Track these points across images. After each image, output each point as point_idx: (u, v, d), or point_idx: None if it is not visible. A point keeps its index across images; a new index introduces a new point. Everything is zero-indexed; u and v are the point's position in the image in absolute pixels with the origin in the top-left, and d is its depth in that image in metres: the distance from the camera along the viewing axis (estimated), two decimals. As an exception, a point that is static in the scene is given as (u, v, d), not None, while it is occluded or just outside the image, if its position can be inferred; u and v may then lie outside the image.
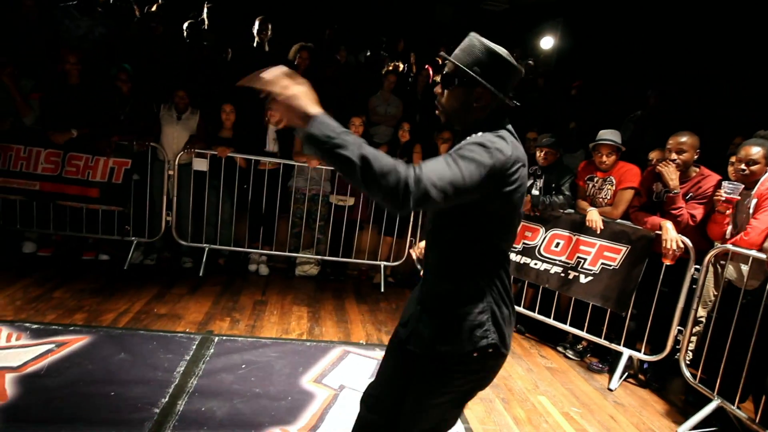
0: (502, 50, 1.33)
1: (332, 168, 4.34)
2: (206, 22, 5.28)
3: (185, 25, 4.95)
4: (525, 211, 3.73)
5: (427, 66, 5.87)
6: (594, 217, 3.35)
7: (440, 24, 8.50)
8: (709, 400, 2.87)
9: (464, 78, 1.33)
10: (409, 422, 1.44)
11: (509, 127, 1.35)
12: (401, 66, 5.48)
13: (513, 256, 3.88)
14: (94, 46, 4.44)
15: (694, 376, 3.04)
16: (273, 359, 2.94)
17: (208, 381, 2.60)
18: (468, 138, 1.29)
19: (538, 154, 3.78)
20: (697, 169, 3.17)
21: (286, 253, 4.59)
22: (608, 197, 3.49)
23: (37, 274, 3.77)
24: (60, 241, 4.32)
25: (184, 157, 4.26)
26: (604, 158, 3.41)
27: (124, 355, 2.74)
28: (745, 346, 2.70)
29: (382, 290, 4.58)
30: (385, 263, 4.73)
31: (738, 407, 2.73)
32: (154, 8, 4.94)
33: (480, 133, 1.29)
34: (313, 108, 1.08)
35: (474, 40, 1.34)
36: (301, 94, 1.09)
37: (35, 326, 2.92)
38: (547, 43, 8.60)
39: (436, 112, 1.45)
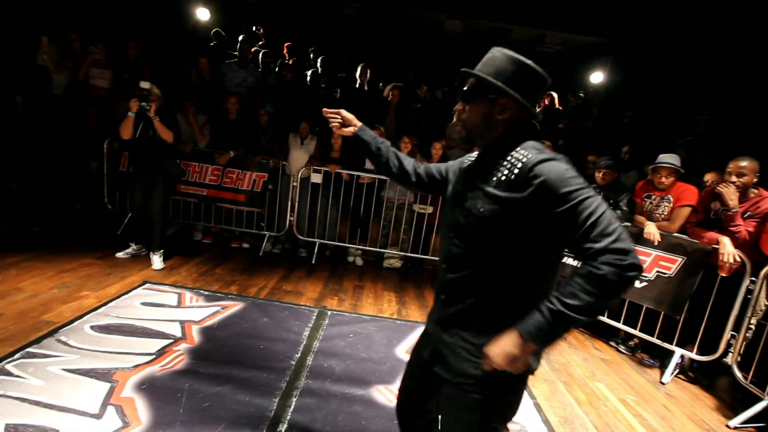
0: (525, 59, 1.07)
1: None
2: (320, 70, 5.63)
3: (308, 73, 5.32)
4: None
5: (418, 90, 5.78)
6: (652, 230, 3.13)
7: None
8: (759, 399, 2.57)
9: (486, 88, 1.07)
10: None
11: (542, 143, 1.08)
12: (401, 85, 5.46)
13: (572, 261, 3.72)
14: (246, 91, 4.93)
15: (744, 377, 2.73)
16: (372, 332, 3.07)
17: (326, 344, 2.79)
18: (546, 168, 0.99)
19: (597, 174, 3.60)
20: (756, 191, 2.84)
21: (377, 249, 4.75)
22: (665, 213, 3.24)
23: (203, 255, 4.26)
24: (218, 232, 4.84)
25: (304, 173, 4.58)
26: (663, 179, 3.18)
27: (266, 319, 3.01)
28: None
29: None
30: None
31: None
32: (289, 61, 5.37)
33: (551, 161, 0.99)
34: (527, 349, 0.97)
35: (496, 51, 1.09)
36: (515, 351, 0.98)
37: (206, 293, 3.31)
38: (597, 77, 8.09)
39: (457, 130, 1.24)
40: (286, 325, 2.96)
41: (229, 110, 4.43)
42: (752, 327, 2.82)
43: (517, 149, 1.08)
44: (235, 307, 3.14)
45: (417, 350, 1.34)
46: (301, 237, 4.72)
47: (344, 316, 3.29)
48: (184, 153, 4.31)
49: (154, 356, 2.35)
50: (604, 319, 3.54)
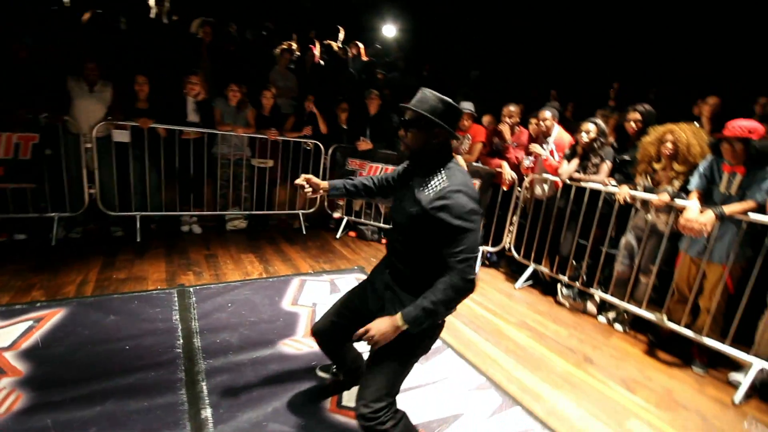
0: (447, 98, 1.45)
1: (250, 135, 4.19)
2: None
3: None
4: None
5: (311, 46, 5.71)
6: (459, 160, 4.02)
7: (305, 9, 8.10)
8: (527, 267, 3.92)
9: (425, 122, 1.43)
10: (380, 376, 1.48)
11: (453, 156, 1.53)
12: (294, 45, 5.24)
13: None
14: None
15: (517, 254, 4.08)
16: (249, 295, 2.95)
17: (206, 321, 2.54)
18: (456, 199, 1.37)
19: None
20: (518, 128, 4.04)
21: (218, 212, 4.30)
22: (466, 148, 4.19)
23: (-53, 262, 2.88)
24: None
25: (101, 130, 3.54)
26: (465, 122, 4.05)
27: (113, 317, 2.45)
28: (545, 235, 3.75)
29: (304, 232, 4.69)
30: (302, 211, 4.81)
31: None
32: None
33: (460, 193, 1.38)
34: (399, 324, 1.41)
35: (427, 92, 1.47)
36: (389, 331, 1.41)
37: (2, 308, 2.36)
38: (390, 30, 8.99)
39: (402, 147, 1.69)
40: (144, 317, 2.50)
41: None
42: (515, 222, 4.16)
43: (445, 169, 1.48)
44: (55, 315, 2.39)
45: (354, 297, 1.74)
46: (111, 213, 3.75)
47: (210, 288, 3.00)
48: None
49: (-43, 410, 1.62)
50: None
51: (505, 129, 3.84)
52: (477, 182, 4.12)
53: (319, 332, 1.79)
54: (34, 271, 2.91)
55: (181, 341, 2.29)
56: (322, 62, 5.85)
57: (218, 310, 2.69)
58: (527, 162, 3.87)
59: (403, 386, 1.59)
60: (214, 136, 4.09)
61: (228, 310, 2.69)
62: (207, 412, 1.80)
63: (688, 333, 2.77)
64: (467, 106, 4.03)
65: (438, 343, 2.58)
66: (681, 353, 2.85)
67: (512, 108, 3.86)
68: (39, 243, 3.42)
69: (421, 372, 2.25)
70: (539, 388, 2.31)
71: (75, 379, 1.89)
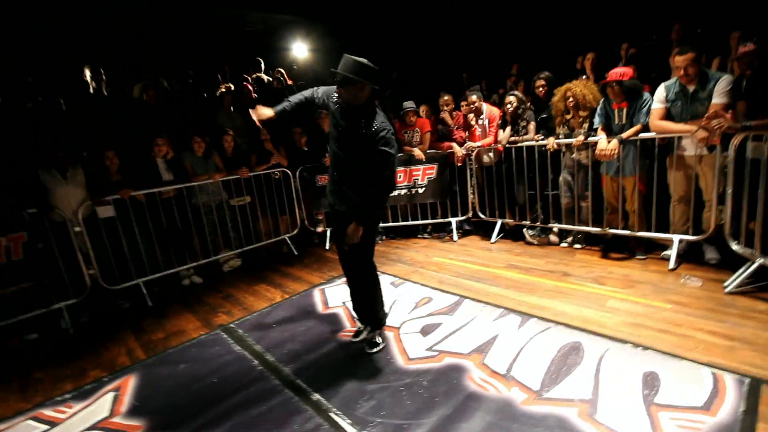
0: (364, 60, 2.08)
1: (224, 179, 4.47)
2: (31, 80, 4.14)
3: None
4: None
5: (245, 84, 6.02)
6: (419, 153, 4.69)
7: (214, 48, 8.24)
8: (495, 223, 4.71)
9: (354, 81, 2.06)
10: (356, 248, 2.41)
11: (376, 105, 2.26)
12: (231, 87, 5.52)
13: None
14: None
15: (482, 213, 4.86)
16: (285, 314, 3.33)
17: (265, 342, 2.89)
18: (383, 136, 2.12)
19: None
20: (455, 112, 4.80)
21: (214, 257, 4.53)
22: (418, 140, 4.87)
23: (-21, 378, 2.88)
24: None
25: (85, 211, 3.64)
26: (411, 118, 4.73)
27: (183, 365, 2.72)
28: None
29: (296, 253, 5.06)
30: (288, 235, 5.17)
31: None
32: None
33: (386, 131, 2.12)
34: (362, 223, 2.26)
35: (348, 58, 2.09)
36: (356, 231, 2.26)
37: (70, 394, 2.53)
38: (301, 51, 9.46)
39: (341, 102, 2.21)
40: (209, 356, 2.80)
41: None
42: (474, 189, 4.94)
43: (376, 115, 2.17)
44: (129, 381, 2.61)
45: (332, 213, 2.54)
46: (116, 287, 3.86)
47: (249, 319, 3.33)
48: None
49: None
50: (411, 222, 5.08)
51: (446, 116, 4.58)
52: (434, 166, 4.82)
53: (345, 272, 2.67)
54: (75, 359, 3.02)
55: (257, 361, 2.65)
56: (255, 96, 6.19)
57: (268, 332, 3.05)
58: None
59: (446, 332, 2.70)
60: (191, 188, 4.32)
61: (277, 330, 3.07)
62: (316, 396, 2.23)
63: (625, 232, 3.71)
64: (408, 105, 4.70)
65: (455, 298, 3.22)
66: (625, 249, 3.79)
67: (446, 97, 4.62)
68: (56, 336, 3.46)
69: (453, 321, 2.86)
70: (540, 302, 3.04)
71: (192, 414, 2.19)
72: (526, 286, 3.35)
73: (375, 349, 2.60)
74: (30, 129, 3.99)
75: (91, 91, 4.25)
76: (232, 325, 3.23)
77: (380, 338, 2.67)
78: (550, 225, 4.23)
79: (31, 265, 3.39)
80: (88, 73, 4.22)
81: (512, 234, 4.65)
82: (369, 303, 2.67)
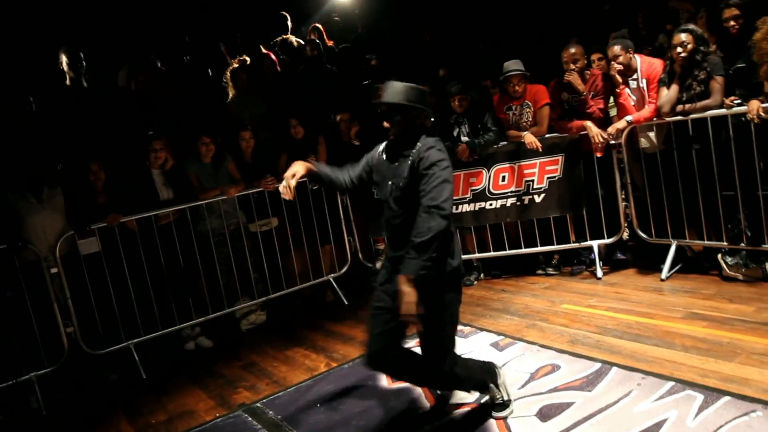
0: (412, 84, 2.71)
1: (241, 194, 5.05)
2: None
3: None
4: (464, 159, 5.12)
5: (266, 52, 6.75)
6: (531, 139, 4.90)
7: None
8: (668, 247, 4.70)
9: (406, 109, 2.65)
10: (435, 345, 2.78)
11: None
12: (247, 59, 6.23)
13: (467, 207, 5.26)
14: None
15: (648, 236, 4.87)
16: (334, 389, 3.67)
17: (307, 427, 3.24)
18: (429, 154, 2.58)
19: (454, 103, 5.17)
20: (588, 72, 4.96)
21: (226, 310, 5.08)
22: (530, 119, 5.09)
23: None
24: None
25: (63, 247, 4.39)
26: (517, 87, 4.98)
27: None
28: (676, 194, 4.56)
29: (346, 302, 5.47)
30: (333, 276, 5.61)
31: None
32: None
33: (433, 148, 2.61)
34: (406, 280, 2.46)
35: (394, 84, 2.72)
36: (406, 294, 2.44)
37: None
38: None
39: (390, 136, 2.78)
40: (229, 446, 3.22)
41: None
42: (628, 189, 4.98)
43: (419, 140, 2.69)
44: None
45: (382, 303, 2.79)
46: (99, 352, 4.53)
47: (281, 396, 3.73)
48: None
49: None
50: (525, 250, 5.25)
51: (574, 78, 4.76)
52: (559, 159, 4.99)
53: (375, 359, 2.81)
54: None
55: (296, 454, 3.02)
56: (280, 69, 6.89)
57: (310, 414, 3.41)
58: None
59: (579, 416, 2.83)
60: (197, 209, 4.96)
61: (323, 411, 3.42)
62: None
63: None
64: (513, 66, 4.96)
65: (595, 366, 3.33)
66: None
67: (573, 50, 4.80)
68: (23, 419, 4.16)
69: (591, 401, 2.97)
70: (741, 373, 3.02)
71: None
72: (721, 347, 3.35)
73: (505, 412, 2.97)
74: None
75: (68, 82, 5.12)
76: (258, 405, 3.64)
77: (498, 391, 3.01)
78: (763, 248, 4.14)
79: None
80: (65, 60, 5.10)
81: (697, 264, 4.62)
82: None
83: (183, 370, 4.55)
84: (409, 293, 2.44)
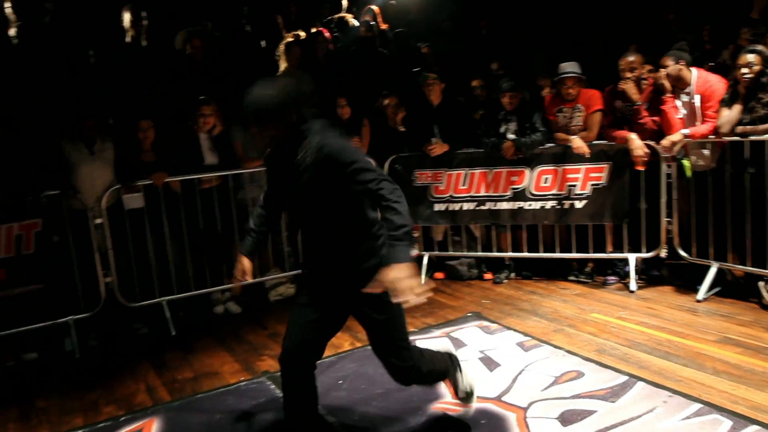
0: (272, 83, 2.40)
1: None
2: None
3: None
4: (508, 157, 5.10)
5: (320, 29, 6.81)
6: (579, 143, 4.85)
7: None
8: (707, 268, 4.63)
9: (273, 115, 2.31)
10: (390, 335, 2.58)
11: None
12: (302, 34, 6.31)
13: (505, 204, 5.25)
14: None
15: (689, 255, 4.80)
16: (357, 368, 3.76)
17: (327, 402, 3.29)
18: (327, 152, 2.25)
19: (504, 99, 5.14)
20: (645, 81, 4.88)
21: (259, 279, 5.18)
22: (580, 124, 5.03)
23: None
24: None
25: (110, 198, 4.54)
26: (571, 90, 4.93)
27: (219, 415, 3.28)
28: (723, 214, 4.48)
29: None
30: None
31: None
32: None
33: (325, 146, 2.28)
34: (399, 265, 2.12)
35: (254, 92, 2.32)
36: (409, 277, 2.12)
37: (82, 431, 3.24)
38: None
39: (266, 147, 2.52)
40: (249, 408, 3.34)
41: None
42: (674, 211, 4.89)
43: (306, 134, 2.33)
44: (153, 425, 3.24)
45: (303, 308, 2.69)
46: (134, 305, 4.68)
47: (304, 369, 3.80)
48: None
49: None
50: (559, 254, 5.22)
51: (629, 87, 4.68)
52: (605, 167, 4.93)
53: (290, 354, 2.69)
54: (84, 390, 3.80)
55: (316, 425, 3.09)
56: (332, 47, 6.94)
57: (331, 389, 3.48)
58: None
59: (601, 425, 2.80)
60: (239, 177, 5.07)
61: (344, 388, 3.50)
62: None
63: None
64: (569, 68, 4.90)
65: (621, 378, 3.32)
66: None
67: (631, 58, 4.72)
68: (59, 359, 4.36)
69: (614, 411, 2.97)
70: (773, 403, 3.00)
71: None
72: (754, 375, 3.30)
73: (470, 402, 2.96)
74: (52, 87, 5.05)
75: (128, 40, 5.26)
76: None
77: (461, 380, 2.91)
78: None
79: (43, 263, 4.33)
80: (127, 18, 5.23)
81: (736, 289, 4.56)
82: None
83: (211, 332, 4.70)
84: (407, 277, 2.12)
